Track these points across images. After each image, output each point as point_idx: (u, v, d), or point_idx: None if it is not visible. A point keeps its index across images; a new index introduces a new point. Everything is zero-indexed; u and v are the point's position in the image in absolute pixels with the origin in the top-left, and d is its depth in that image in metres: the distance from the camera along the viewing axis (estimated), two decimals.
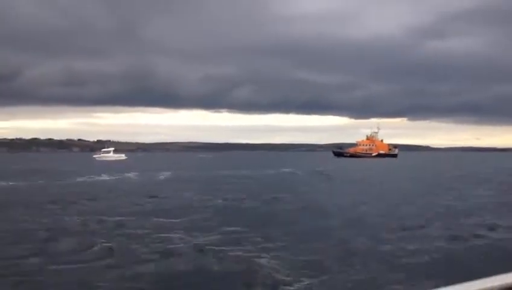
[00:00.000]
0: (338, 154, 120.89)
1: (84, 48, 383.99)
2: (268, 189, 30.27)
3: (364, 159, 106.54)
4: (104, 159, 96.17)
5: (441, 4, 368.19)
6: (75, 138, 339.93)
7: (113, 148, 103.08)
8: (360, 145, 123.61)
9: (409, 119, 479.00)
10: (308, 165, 71.89)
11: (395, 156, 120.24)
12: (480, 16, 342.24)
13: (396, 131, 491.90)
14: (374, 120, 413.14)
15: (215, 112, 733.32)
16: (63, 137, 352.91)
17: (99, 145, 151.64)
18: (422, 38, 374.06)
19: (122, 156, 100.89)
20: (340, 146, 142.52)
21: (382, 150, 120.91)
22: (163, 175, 44.66)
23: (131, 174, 45.68)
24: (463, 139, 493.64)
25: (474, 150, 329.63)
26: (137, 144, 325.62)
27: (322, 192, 29.16)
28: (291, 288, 9.00)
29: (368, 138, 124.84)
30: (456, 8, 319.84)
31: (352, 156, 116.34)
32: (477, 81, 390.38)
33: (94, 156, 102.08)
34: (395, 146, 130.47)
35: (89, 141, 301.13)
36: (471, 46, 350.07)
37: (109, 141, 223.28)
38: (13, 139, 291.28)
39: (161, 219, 17.34)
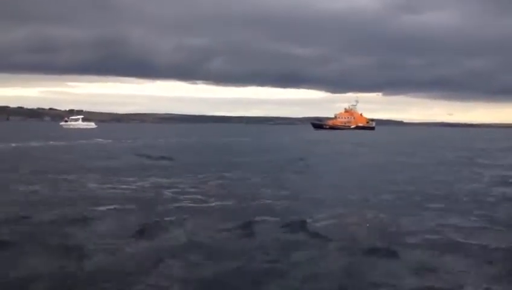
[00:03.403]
0: (317, 126, 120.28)
1: (56, 14, 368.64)
2: None
3: (343, 131, 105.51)
4: (72, 127, 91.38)
5: None
6: (47, 106, 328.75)
7: (81, 116, 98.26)
8: (339, 117, 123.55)
9: (384, 94, 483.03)
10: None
11: (372, 128, 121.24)
12: None
13: (372, 106, 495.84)
14: (350, 94, 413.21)
15: (191, 83, 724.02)
16: (34, 106, 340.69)
17: (72, 114, 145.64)
18: (397, 12, 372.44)
19: (92, 125, 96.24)
20: (319, 119, 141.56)
21: (361, 123, 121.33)
22: None
23: None
24: (436, 114, 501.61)
25: (446, 126, 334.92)
26: (111, 114, 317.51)
27: None
28: None
29: (346, 111, 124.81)
30: None
31: (331, 128, 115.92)
32: (450, 56, 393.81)
33: (61, 123, 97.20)
34: (372, 120, 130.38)
35: (60, 110, 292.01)
36: (445, 20, 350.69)
37: (81, 110, 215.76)
38: None
39: None
